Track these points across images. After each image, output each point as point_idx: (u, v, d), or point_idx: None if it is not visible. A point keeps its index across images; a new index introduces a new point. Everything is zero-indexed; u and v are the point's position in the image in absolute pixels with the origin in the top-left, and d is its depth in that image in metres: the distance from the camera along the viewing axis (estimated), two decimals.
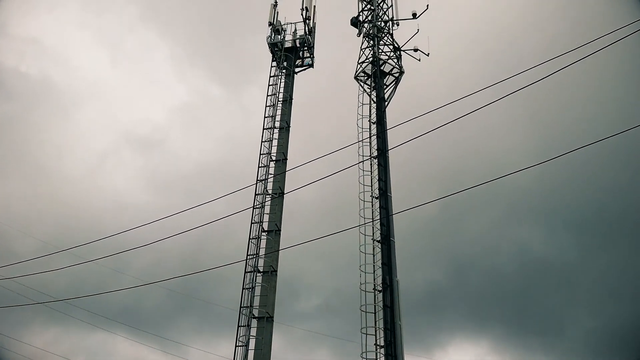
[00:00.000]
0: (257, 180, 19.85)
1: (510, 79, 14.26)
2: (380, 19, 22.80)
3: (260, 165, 20.25)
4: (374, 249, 18.10)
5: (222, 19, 54.86)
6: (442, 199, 15.59)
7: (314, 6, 23.92)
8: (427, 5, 21.90)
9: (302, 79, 23.28)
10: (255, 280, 18.27)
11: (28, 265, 19.86)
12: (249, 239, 18.85)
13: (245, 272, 18.38)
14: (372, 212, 18.70)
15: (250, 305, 17.79)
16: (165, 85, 53.64)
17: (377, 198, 18.89)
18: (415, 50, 22.03)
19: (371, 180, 19.23)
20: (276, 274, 18.62)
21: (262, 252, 18.88)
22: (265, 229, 19.26)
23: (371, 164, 19.44)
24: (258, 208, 19.33)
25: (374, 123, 20.47)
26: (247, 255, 18.58)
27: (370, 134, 20.03)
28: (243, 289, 18.07)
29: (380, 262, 17.85)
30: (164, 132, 50.54)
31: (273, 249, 18.79)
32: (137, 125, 50.37)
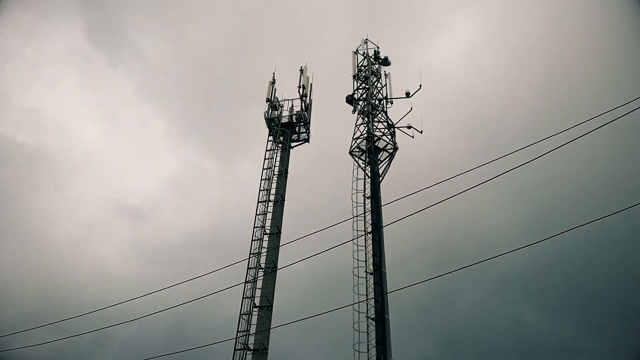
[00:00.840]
0: (250, 253, 19.65)
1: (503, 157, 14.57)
2: (374, 97, 23.52)
3: (253, 239, 20.11)
4: (367, 326, 17.63)
5: (214, 93, 56.90)
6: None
7: (311, 84, 24.77)
8: (420, 85, 22.71)
9: (298, 153, 23.71)
10: (245, 359, 17.61)
11: (8, 337, 19.24)
12: (240, 314, 18.36)
13: (235, 350, 17.76)
14: (367, 289, 18.39)
15: None
16: (158, 158, 54.49)
17: (371, 274, 18.65)
18: (409, 127, 22.57)
19: (365, 255, 19.08)
20: (267, 352, 17.99)
21: (252, 328, 18.34)
22: (257, 304, 18.81)
23: (365, 239, 19.35)
24: (250, 283, 18.98)
25: (368, 198, 20.59)
26: (237, 331, 18.03)
27: (364, 208, 20.09)
28: None
29: (374, 340, 17.34)
30: (154, 203, 50.73)
31: (264, 326, 18.26)
32: (128, 196, 50.57)
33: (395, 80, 24.15)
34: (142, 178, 53.20)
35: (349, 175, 21.40)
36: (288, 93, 24.53)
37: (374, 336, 17.39)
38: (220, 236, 45.31)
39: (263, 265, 19.53)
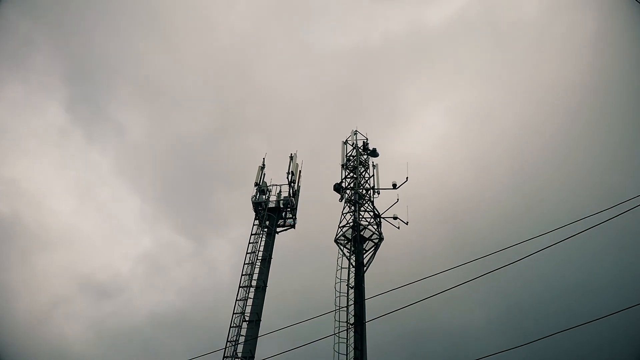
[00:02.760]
0: (227, 341, 18.93)
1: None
2: (361, 187, 23.85)
3: (232, 326, 19.46)
4: None
5: (191, 174, 57.54)
6: None
7: (300, 170, 25.16)
8: (407, 178, 23.15)
9: (283, 238, 23.57)
10: None
11: None
12: None
13: None
14: None
15: None
16: (130, 235, 53.89)
17: None
18: (395, 218, 22.72)
19: (347, 349, 18.45)
20: None
21: None
22: None
23: (347, 332, 18.81)
24: None
25: (352, 287, 20.26)
26: None
27: (347, 299, 19.70)
28: None
29: None
30: (123, 281, 49.49)
31: None
32: (96, 273, 49.20)
33: (383, 171, 24.72)
34: (112, 255, 52.23)
35: (333, 264, 21.22)
36: (275, 179, 24.89)
37: None
38: (190, 318, 44.11)
39: (240, 355, 18.73)
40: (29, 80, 52.73)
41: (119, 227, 54.09)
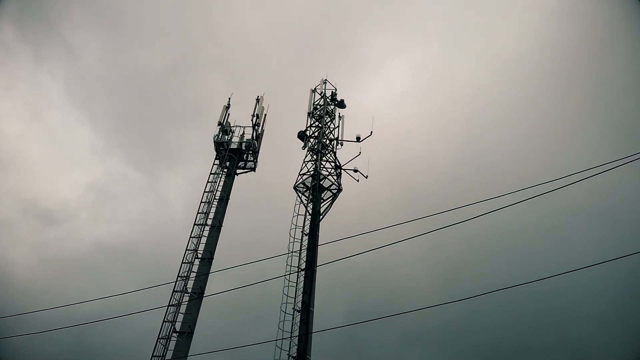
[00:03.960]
0: (177, 276, 19.04)
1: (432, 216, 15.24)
2: (325, 137, 23.83)
3: (184, 261, 19.54)
4: None
5: (147, 107, 56.00)
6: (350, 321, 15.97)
7: (265, 114, 24.85)
8: (371, 132, 23.28)
9: (242, 181, 23.49)
10: None
11: None
12: (158, 338, 17.61)
13: None
14: (292, 326, 18.14)
15: None
16: (80, 164, 52.11)
17: (299, 311, 18.44)
18: (355, 171, 22.93)
19: (295, 292, 18.90)
20: None
21: (169, 354, 17.58)
22: (177, 329, 18.12)
23: (297, 276, 19.22)
24: (174, 306, 18.32)
25: (306, 234, 20.55)
26: (153, 356, 17.24)
27: (301, 245, 20.02)
28: None
29: None
30: (70, 209, 48.50)
31: (182, 353, 17.56)
32: (42, 200, 47.96)
33: (348, 123, 24.73)
34: (60, 182, 50.68)
35: (290, 210, 21.40)
36: (239, 120, 24.54)
37: None
38: (139, 251, 44.08)
39: (190, 290, 18.92)
40: None
41: (68, 154, 52.48)
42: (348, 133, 24.14)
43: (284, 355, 17.49)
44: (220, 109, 24.24)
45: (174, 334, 17.93)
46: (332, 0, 62.08)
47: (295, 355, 17.45)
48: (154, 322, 18.85)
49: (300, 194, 22.08)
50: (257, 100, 24.54)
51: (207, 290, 19.32)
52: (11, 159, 47.69)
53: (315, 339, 17.79)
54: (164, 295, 18.85)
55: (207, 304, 19.36)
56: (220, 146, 23.08)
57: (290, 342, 17.68)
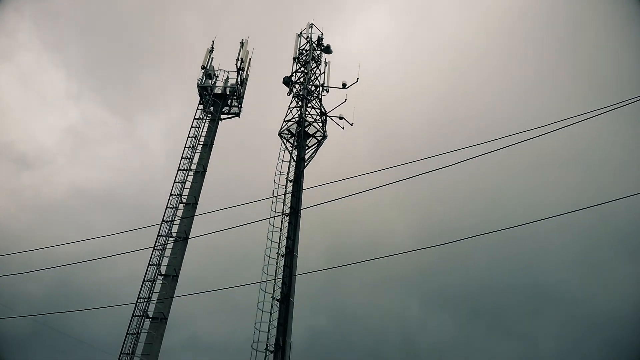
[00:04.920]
0: (162, 220, 19.11)
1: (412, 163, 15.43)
2: (311, 83, 23.54)
3: (168, 206, 19.56)
4: (272, 307, 17.77)
5: (122, 48, 54.14)
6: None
7: (250, 59, 24.33)
8: (357, 79, 23.05)
9: (226, 126, 23.25)
10: (142, 326, 17.18)
11: None
12: (143, 281, 17.85)
13: (133, 316, 17.27)
14: (276, 270, 18.50)
15: (132, 353, 16.60)
16: (55, 107, 50.55)
17: (282, 256, 18.77)
18: (341, 118, 22.84)
19: (279, 237, 19.17)
20: (166, 322, 17.64)
21: (154, 296, 17.90)
22: (163, 272, 18.37)
23: (282, 221, 19.43)
24: (159, 250, 18.49)
25: (290, 181, 20.65)
26: (138, 298, 17.53)
27: (285, 191, 20.13)
28: (127, 334, 16.89)
29: (276, 321, 17.50)
30: (47, 153, 47.62)
31: (167, 295, 17.88)
32: (17, 144, 46.87)
33: (334, 69, 24.40)
34: (34, 126, 49.27)
35: (274, 156, 21.39)
36: (223, 65, 23.98)
37: (277, 317, 17.57)
38: (119, 196, 43.88)
39: (175, 234, 19.05)
40: None
41: (42, 98, 50.86)
42: (333, 79, 23.90)
43: (268, 297, 17.94)
44: (198, 49, 23.72)
45: (159, 277, 18.17)
46: None
47: (279, 297, 17.90)
48: (137, 264, 19.09)
49: (285, 141, 22.02)
50: (242, 43, 23.94)
51: (192, 234, 19.48)
52: None
53: (298, 281, 18.22)
54: (148, 239, 19.00)
55: (191, 248, 19.60)
56: (204, 91, 22.67)
57: (275, 285, 18.08)
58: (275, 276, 18.26)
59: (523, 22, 47.91)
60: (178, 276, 18.49)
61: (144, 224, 18.95)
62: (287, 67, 24.17)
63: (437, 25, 54.10)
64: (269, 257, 18.77)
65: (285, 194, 19.98)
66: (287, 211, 19.73)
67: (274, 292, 18.06)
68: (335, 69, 24.37)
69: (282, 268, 18.57)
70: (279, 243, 19.16)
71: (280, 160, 21.22)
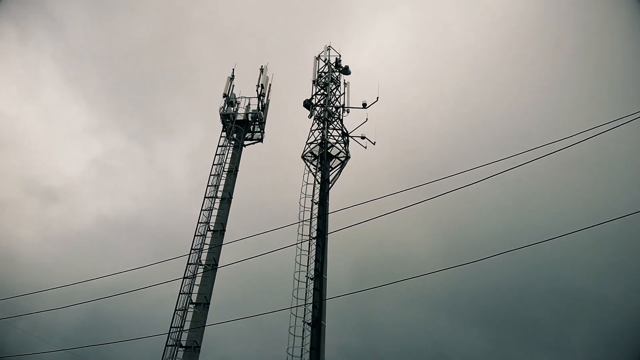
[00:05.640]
0: (191, 248, 19.30)
1: (437, 181, 15.32)
2: (331, 105, 23.70)
3: (196, 234, 19.76)
4: (303, 331, 17.67)
5: (141, 79, 55.28)
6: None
7: (270, 84, 24.66)
8: (377, 98, 23.09)
9: (250, 152, 23.51)
10: (176, 356, 17.26)
11: None
12: (175, 310, 17.97)
13: (167, 346, 17.37)
14: (306, 294, 18.44)
15: None
16: (78, 141, 51.96)
17: (312, 279, 18.72)
18: (363, 137, 22.88)
19: (308, 260, 19.14)
20: (199, 350, 17.69)
21: (186, 325, 17.99)
22: (194, 301, 18.49)
23: (309, 244, 19.42)
24: (189, 278, 18.63)
25: (316, 203, 20.68)
26: (171, 327, 17.64)
27: (311, 214, 20.16)
28: None
29: (309, 345, 17.39)
30: (73, 185, 48.72)
31: (199, 324, 17.96)
32: (44, 178, 48.11)
33: (354, 89, 24.53)
34: (59, 159, 50.60)
35: (299, 179, 21.49)
36: (244, 91, 24.37)
37: (309, 341, 17.45)
38: (143, 223, 44.49)
39: (204, 262, 19.21)
40: None
41: (65, 131, 52.18)
42: (351, 99, 24.03)
43: (299, 322, 17.86)
44: (213, 73, 24.23)
45: (191, 306, 18.29)
46: None
47: (310, 321, 17.81)
48: (166, 291, 19.25)
49: (308, 163, 22.12)
50: (261, 70, 24.33)
51: (221, 261, 19.60)
52: (10, 139, 47.82)
53: (327, 304, 18.11)
54: (175, 265, 19.21)
55: (221, 275, 19.70)
56: (227, 118, 23.01)
57: (305, 309, 18.00)
58: (306, 300, 18.20)
59: (535, 29, 47.60)
60: (209, 304, 18.57)
61: (169, 250, 19.27)
62: (307, 90, 24.41)
63: (448, 36, 54.13)
64: (298, 280, 18.74)
65: (311, 217, 20.00)
66: (314, 234, 19.73)
67: (304, 316, 17.98)
68: (354, 87, 24.56)
69: (311, 291, 18.51)
70: (308, 266, 19.13)
71: (304, 183, 21.31)
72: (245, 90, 24.20)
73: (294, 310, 17.69)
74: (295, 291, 18.43)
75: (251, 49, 53.01)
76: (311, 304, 18.01)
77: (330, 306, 18.36)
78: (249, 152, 23.28)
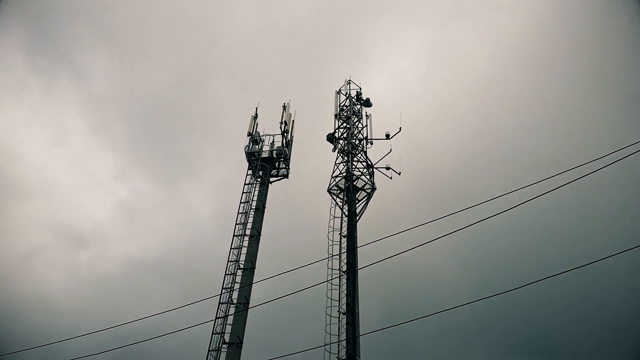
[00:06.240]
0: (222, 288, 19.35)
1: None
2: (355, 137, 23.83)
3: (227, 273, 19.83)
4: None
5: (162, 122, 56.83)
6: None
7: (293, 120, 25.01)
8: (400, 128, 23.13)
9: (276, 188, 23.70)
10: None
11: None
12: (208, 351, 17.93)
13: None
14: (339, 329, 18.21)
15: None
16: (106, 186, 53.39)
17: (344, 314, 18.50)
18: (388, 168, 22.86)
19: (339, 295, 18.96)
20: None
21: None
22: (227, 340, 18.43)
23: (340, 279, 19.27)
24: (221, 318, 18.63)
25: (344, 236, 20.59)
26: None
27: (340, 247, 20.07)
28: None
29: None
30: (101, 229, 49.79)
31: None
32: (73, 223, 49.27)
33: (376, 121, 24.66)
34: (88, 204, 51.91)
35: (326, 213, 21.49)
36: (267, 129, 24.78)
37: None
38: (170, 263, 45.01)
39: (235, 301, 19.21)
40: None
41: (93, 177, 53.75)
42: (373, 130, 24.14)
43: (334, 358, 17.58)
44: (232, 113, 24.71)
45: (224, 346, 18.22)
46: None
47: (344, 358, 17.52)
48: (199, 331, 19.26)
49: (334, 197, 22.14)
50: (284, 107, 24.73)
51: (252, 298, 19.55)
52: (40, 187, 49.46)
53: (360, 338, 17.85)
54: (205, 303, 19.24)
55: (253, 313, 19.64)
56: (252, 156, 23.34)
57: (339, 345, 17.75)
58: (339, 336, 17.95)
59: (546, 46, 47.43)
60: (242, 343, 18.48)
61: (198, 288, 19.30)
62: (329, 124, 24.62)
63: (462, 59, 54.30)
64: (330, 316, 18.55)
65: (340, 251, 19.91)
66: (344, 267, 19.60)
67: (338, 352, 17.72)
68: (374, 118, 24.71)
69: (344, 326, 18.28)
70: (339, 301, 18.95)
71: (332, 217, 21.31)
72: (269, 128, 24.65)
73: (327, 347, 17.46)
74: (328, 327, 18.24)
75: (271, 87, 54.28)
76: (345, 340, 17.76)
77: (362, 340, 18.07)
78: (275, 188, 23.53)
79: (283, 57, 60.50)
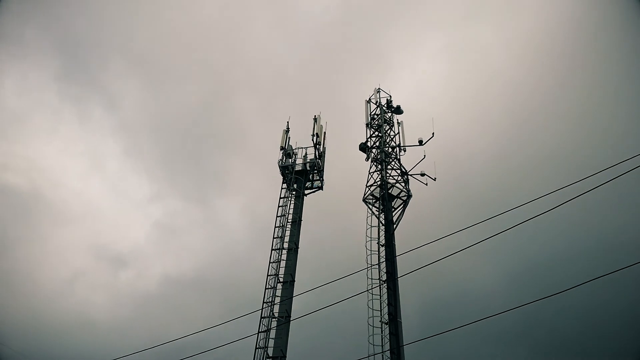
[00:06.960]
0: (263, 302, 19.45)
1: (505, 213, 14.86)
2: (387, 145, 23.74)
3: (267, 287, 19.94)
4: None
5: (191, 142, 57.85)
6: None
7: (324, 132, 25.10)
8: (433, 133, 22.93)
9: (311, 200, 23.76)
10: None
11: None
12: None
13: None
14: (382, 339, 18.04)
15: None
16: (142, 208, 55.13)
17: (386, 324, 18.33)
18: (422, 174, 22.64)
19: (380, 304, 18.81)
20: None
21: None
22: (270, 354, 18.47)
23: (380, 288, 19.13)
24: (263, 332, 18.71)
25: (382, 245, 20.46)
26: None
27: (379, 257, 19.94)
28: None
29: None
30: (139, 250, 51.18)
31: None
32: (112, 245, 51.02)
33: (409, 127, 24.50)
34: (126, 226, 53.68)
35: (362, 223, 21.40)
36: (299, 142, 24.92)
37: None
38: (208, 278, 45.65)
39: (277, 315, 19.27)
40: (26, 57, 53.10)
41: (129, 200, 55.51)
42: (411, 137, 23.97)
43: None
44: (258, 128, 24.86)
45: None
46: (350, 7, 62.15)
47: None
48: (242, 345, 19.36)
49: (370, 206, 22.05)
50: (315, 119, 24.86)
51: (293, 313, 19.57)
52: (80, 212, 51.28)
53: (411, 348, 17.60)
54: (244, 318, 19.31)
55: (294, 326, 19.65)
56: (286, 170, 23.51)
57: (383, 356, 17.58)
58: (383, 346, 17.77)
59: (566, 41, 46.37)
60: (285, 357, 18.49)
61: (236, 301, 19.39)
62: (360, 134, 24.60)
63: (485, 58, 53.67)
64: (373, 326, 18.40)
65: (379, 260, 19.78)
66: (384, 276, 19.45)
67: None
68: (412, 125, 24.56)
69: (387, 336, 18.10)
70: (381, 311, 18.79)
71: (369, 226, 21.21)
72: (301, 141, 24.79)
73: (372, 358, 17.30)
74: (371, 337, 18.09)
75: (296, 99, 54.91)
76: (389, 351, 17.57)
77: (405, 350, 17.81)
78: (310, 200, 23.59)
79: (306, 68, 61.14)
